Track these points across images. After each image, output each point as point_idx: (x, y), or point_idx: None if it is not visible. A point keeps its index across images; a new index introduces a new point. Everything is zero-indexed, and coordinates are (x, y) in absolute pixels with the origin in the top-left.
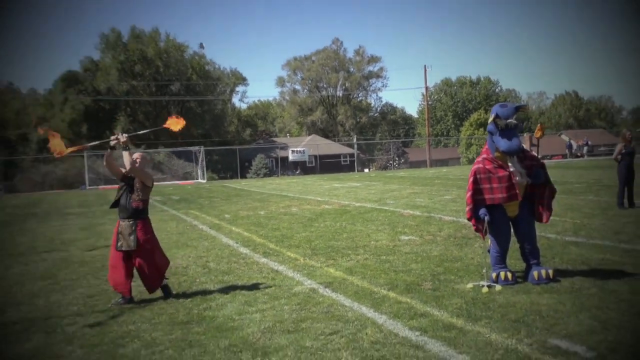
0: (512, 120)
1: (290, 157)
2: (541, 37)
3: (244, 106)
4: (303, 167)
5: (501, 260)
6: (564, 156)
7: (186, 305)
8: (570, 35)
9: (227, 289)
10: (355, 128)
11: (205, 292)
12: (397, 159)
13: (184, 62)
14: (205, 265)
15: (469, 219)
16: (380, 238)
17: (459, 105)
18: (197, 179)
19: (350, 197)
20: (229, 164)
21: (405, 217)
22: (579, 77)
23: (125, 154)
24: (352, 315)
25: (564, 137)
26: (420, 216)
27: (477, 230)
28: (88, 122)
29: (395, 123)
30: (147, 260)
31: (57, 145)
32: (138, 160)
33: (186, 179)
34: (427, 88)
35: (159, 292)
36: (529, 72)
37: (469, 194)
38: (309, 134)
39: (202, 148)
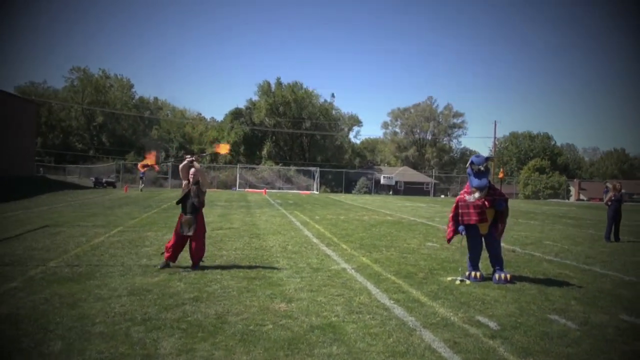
0: (482, 167)
1: (382, 181)
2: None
3: (357, 141)
4: (394, 190)
5: (474, 263)
6: (601, 199)
7: (258, 268)
8: (623, 99)
9: (289, 262)
10: (438, 164)
11: (274, 262)
12: None
13: (314, 106)
14: (284, 247)
15: (448, 239)
16: (411, 242)
17: (522, 153)
18: (313, 191)
19: (410, 213)
20: (339, 182)
21: (440, 230)
22: (627, 136)
23: (193, 169)
24: (358, 287)
25: (608, 185)
26: None
27: (449, 240)
28: (245, 144)
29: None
30: (198, 243)
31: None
32: (196, 169)
33: (307, 189)
34: (495, 137)
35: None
36: (586, 129)
37: (451, 215)
38: (402, 165)
39: (318, 169)
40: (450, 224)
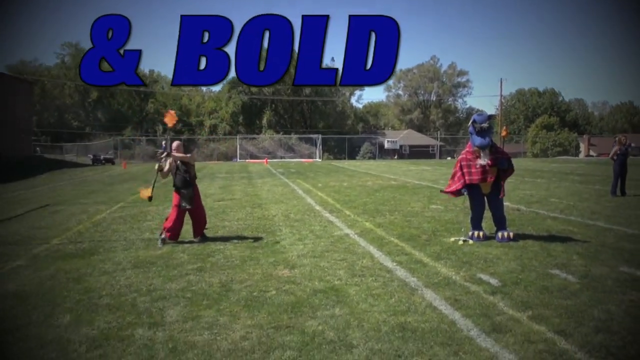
0: (484, 125)
1: (386, 146)
2: (607, 50)
3: (359, 106)
4: (399, 154)
5: (477, 224)
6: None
7: (260, 237)
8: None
9: (292, 230)
10: (443, 125)
11: (277, 231)
12: None
13: None
14: (287, 215)
15: (447, 191)
16: (415, 206)
17: (529, 110)
18: (315, 158)
19: (415, 177)
20: (342, 148)
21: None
22: (636, 89)
23: (169, 160)
24: (361, 251)
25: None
26: None
27: (453, 195)
28: (244, 114)
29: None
30: (199, 214)
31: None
32: (174, 148)
33: (310, 157)
34: (501, 96)
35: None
36: (594, 83)
37: (453, 174)
38: (407, 129)
39: (320, 136)
40: (451, 181)
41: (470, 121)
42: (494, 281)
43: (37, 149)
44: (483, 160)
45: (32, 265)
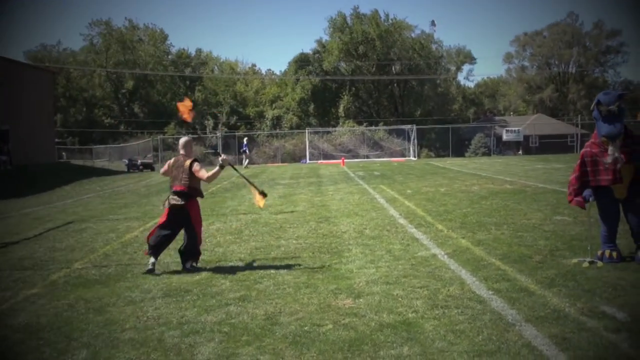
0: (613, 107)
1: (505, 137)
2: None
3: (470, 84)
4: (525, 147)
5: (609, 239)
6: None
7: (323, 259)
8: None
9: (364, 250)
10: (587, 107)
11: (344, 251)
12: None
13: (406, 42)
14: (361, 231)
15: (569, 202)
16: (533, 217)
17: None
18: (409, 157)
19: (540, 178)
20: (445, 142)
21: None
22: None
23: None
24: (449, 276)
25: None
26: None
27: (579, 205)
28: (315, 101)
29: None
30: (192, 234)
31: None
32: (181, 145)
33: (402, 155)
34: None
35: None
36: None
37: (574, 175)
38: (535, 113)
39: (415, 127)
40: (574, 186)
41: (594, 103)
42: (621, 315)
43: (63, 153)
44: (610, 158)
45: (48, 293)
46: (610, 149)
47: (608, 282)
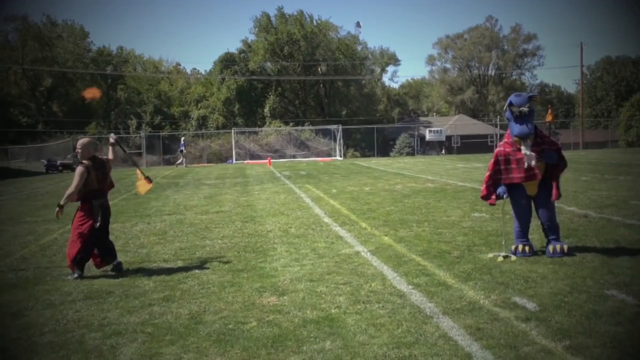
0: (524, 108)
1: (428, 137)
2: None
3: (394, 85)
4: (447, 147)
5: (522, 234)
6: None
7: (249, 259)
8: None
9: (289, 248)
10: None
11: (269, 250)
12: None
13: (332, 42)
14: (286, 230)
15: (482, 197)
16: (453, 214)
17: (623, 85)
18: (335, 156)
19: (460, 177)
20: (371, 142)
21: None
22: None
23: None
24: (371, 272)
25: None
26: None
27: (491, 203)
28: (241, 101)
29: (549, 103)
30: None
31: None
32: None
33: (329, 155)
34: (582, 66)
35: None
36: None
37: (488, 174)
38: (457, 113)
39: (341, 127)
40: (487, 183)
41: (506, 104)
42: (531, 305)
43: None
44: (528, 159)
45: None
46: (522, 148)
47: (520, 275)
